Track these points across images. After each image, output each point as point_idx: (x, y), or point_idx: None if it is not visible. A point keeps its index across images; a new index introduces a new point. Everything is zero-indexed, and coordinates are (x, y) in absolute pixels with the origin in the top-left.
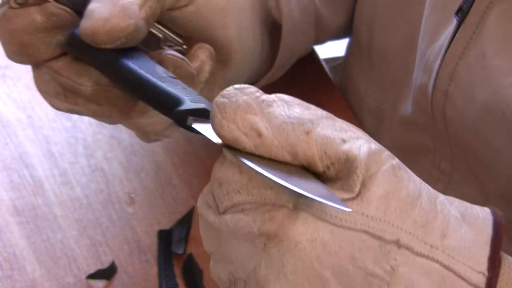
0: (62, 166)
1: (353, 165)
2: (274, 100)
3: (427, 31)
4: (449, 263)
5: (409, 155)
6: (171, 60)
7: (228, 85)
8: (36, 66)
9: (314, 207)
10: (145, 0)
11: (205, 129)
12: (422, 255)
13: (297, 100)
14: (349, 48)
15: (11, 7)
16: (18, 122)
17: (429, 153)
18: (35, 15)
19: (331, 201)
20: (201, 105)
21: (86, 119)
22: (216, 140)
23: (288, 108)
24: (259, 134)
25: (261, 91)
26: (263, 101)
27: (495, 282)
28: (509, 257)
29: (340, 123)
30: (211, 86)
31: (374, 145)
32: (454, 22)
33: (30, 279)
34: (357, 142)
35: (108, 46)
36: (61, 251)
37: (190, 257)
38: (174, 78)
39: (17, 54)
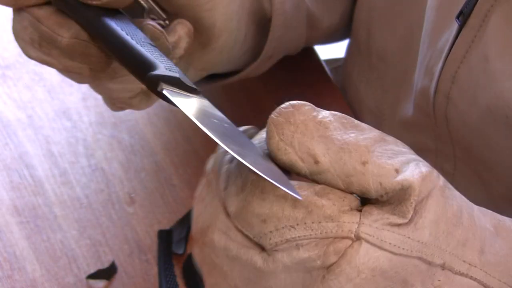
0: (62, 166)
1: (407, 192)
2: (330, 121)
3: (428, 34)
4: (486, 281)
5: None
6: (150, 30)
7: (204, 69)
8: (18, 10)
9: (375, 236)
10: None
11: (176, 99)
12: (461, 274)
13: (350, 120)
14: (349, 49)
15: None
16: (18, 122)
17: (431, 153)
18: None
19: (287, 187)
20: (175, 74)
21: (86, 119)
22: (188, 113)
23: (344, 131)
24: (316, 161)
25: (316, 109)
26: (320, 122)
27: None
28: None
29: (391, 146)
30: (186, 66)
31: (424, 167)
32: (455, 25)
33: (30, 279)
34: (409, 168)
35: (95, 2)
36: (61, 251)
37: (190, 257)
38: (153, 45)
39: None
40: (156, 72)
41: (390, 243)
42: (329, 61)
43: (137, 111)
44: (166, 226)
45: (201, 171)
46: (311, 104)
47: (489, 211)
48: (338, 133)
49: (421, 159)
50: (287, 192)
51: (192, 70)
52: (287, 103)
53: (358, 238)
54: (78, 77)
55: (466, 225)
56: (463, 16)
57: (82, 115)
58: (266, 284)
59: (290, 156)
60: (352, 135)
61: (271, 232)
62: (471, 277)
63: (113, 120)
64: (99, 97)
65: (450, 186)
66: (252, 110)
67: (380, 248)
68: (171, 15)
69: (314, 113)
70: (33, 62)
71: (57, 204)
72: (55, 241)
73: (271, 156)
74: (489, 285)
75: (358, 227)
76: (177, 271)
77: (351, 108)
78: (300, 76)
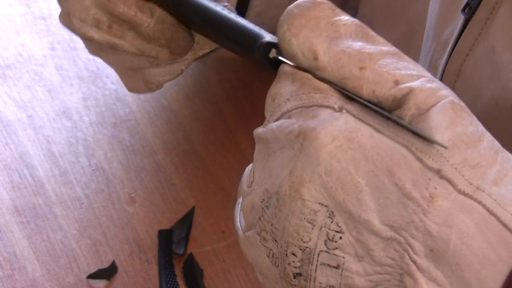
0: (63, 166)
1: (405, 100)
2: (344, 25)
3: (432, 27)
4: (493, 208)
5: None
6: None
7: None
8: None
9: (361, 112)
10: None
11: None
12: (465, 194)
13: (368, 30)
14: None
15: None
16: (18, 122)
17: None
18: None
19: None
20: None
21: (87, 119)
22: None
23: (355, 36)
24: (315, 57)
25: (336, 10)
26: (332, 23)
27: None
28: None
29: (405, 63)
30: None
31: (433, 83)
32: (461, 17)
33: (30, 279)
34: (416, 80)
35: None
36: (61, 250)
37: (190, 257)
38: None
39: None
40: (266, 39)
41: (374, 121)
42: None
43: (137, 111)
44: (166, 226)
45: (201, 172)
46: (332, 5)
47: None
48: (347, 38)
49: (437, 80)
50: (435, 142)
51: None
52: None
53: (341, 109)
54: (147, 61)
55: (483, 153)
56: (470, 9)
57: (82, 115)
58: (268, 166)
59: (293, 47)
60: (360, 43)
61: (275, 108)
62: (476, 199)
63: (113, 120)
64: (99, 97)
65: (472, 115)
66: (252, 110)
67: (362, 121)
68: None
69: (331, 14)
70: (33, 61)
71: (58, 204)
72: (56, 241)
73: (278, 41)
74: (497, 214)
75: (345, 102)
76: (177, 271)
77: None
78: None
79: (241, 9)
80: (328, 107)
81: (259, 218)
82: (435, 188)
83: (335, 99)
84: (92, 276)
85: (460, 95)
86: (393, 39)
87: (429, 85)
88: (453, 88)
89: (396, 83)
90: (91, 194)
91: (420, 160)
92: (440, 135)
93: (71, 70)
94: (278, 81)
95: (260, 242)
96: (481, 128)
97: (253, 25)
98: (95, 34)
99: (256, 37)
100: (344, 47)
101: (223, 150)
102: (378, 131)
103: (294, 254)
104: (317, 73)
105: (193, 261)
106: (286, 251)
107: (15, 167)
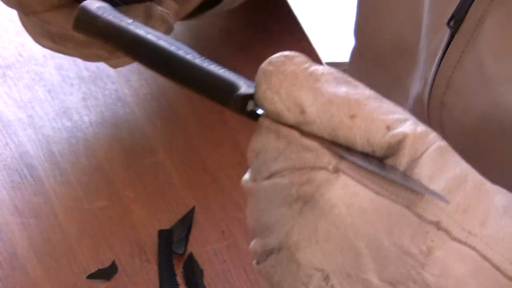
0: (63, 166)
1: (399, 147)
2: (322, 74)
3: (423, 38)
4: (486, 253)
5: None
6: (163, 17)
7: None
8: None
9: (356, 171)
10: None
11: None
12: (459, 241)
13: (345, 77)
14: (352, 54)
15: None
16: (18, 122)
17: None
18: None
19: (429, 192)
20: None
21: (87, 119)
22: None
23: (336, 84)
24: (303, 111)
25: (310, 61)
26: (311, 74)
27: None
28: None
29: (387, 105)
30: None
31: (421, 127)
32: (447, 30)
33: (30, 279)
34: (404, 124)
35: None
36: (61, 250)
37: (190, 257)
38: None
39: (9, 4)
40: (242, 91)
41: (373, 182)
42: (333, 65)
43: (137, 111)
44: (166, 226)
45: (201, 171)
46: (304, 56)
47: (504, 190)
48: (329, 86)
49: (420, 122)
50: (433, 195)
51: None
52: (279, 54)
53: (336, 171)
54: (97, 59)
55: (470, 193)
56: (455, 22)
57: (82, 115)
58: (264, 221)
59: (276, 105)
60: (344, 89)
61: (261, 166)
62: (469, 246)
63: (113, 120)
64: (99, 97)
65: (455, 153)
66: None
67: (360, 183)
68: None
69: (306, 65)
70: (33, 61)
71: (58, 204)
72: (56, 240)
73: (258, 105)
74: (489, 258)
75: (339, 161)
76: (177, 271)
77: None
78: None
79: None
80: (321, 168)
81: (263, 261)
82: (432, 241)
83: (327, 158)
84: (92, 276)
85: (450, 108)
86: (384, 47)
87: (419, 129)
88: (442, 100)
89: (388, 128)
90: (91, 194)
91: (419, 216)
92: (436, 186)
93: (71, 70)
94: (260, 134)
95: (263, 278)
96: (464, 164)
97: (224, 70)
98: (46, 44)
99: (230, 89)
100: (330, 96)
101: (223, 150)
102: (377, 193)
103: None
104: (305, 127)
105: (193, 261)
106: None
107: (15, 167)
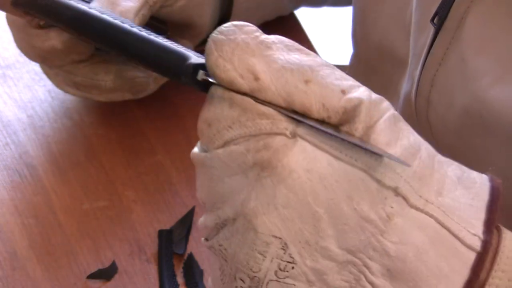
0: (63, 166)
1: (354, 113)
2: (273, 42)
3: (411, 40)
4: (444, 220)
5: None
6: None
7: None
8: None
9: (315, 136)
10: (139, 8)
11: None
12: (417, 208)
13: (296, 45)
14: (351, 59)
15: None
16: (18, 122)
17: None
18: (55, 41)
19: (390, 156)
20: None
21: (87, 119)
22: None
23: (287, 52)
24: (256, 78)
25: (260, 31)
26: (262, 42)
27: (489, 246)
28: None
29: (340, 72)
30: None
31: (374, 94)
32: (431, 28)
33: (30, 279)
34: (358, 90)
35: None
36: (61, 250)
37: (190, 257)
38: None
39: (33, 59)
40: (192, 61)
41: (331, 146)
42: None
43: (137, 111)
44: (166, 226)
45: None
46: (254, 26)
47: (456, 163)
48: (281, 53)
49: (372, 91)
50: (394, 159)
51: None
52: (229, 23)
53: (294, 136)
54: (121, 99)
55: (425, 161)
56: (439, 19)
57: (82, 115)
58: (217, 192)
59: (229, 73)
60: (296, 56)
61: (214, 135)
62: (427, 213)
63: (113, 120)
64: None
65: (406, 123)
66: None
67: (319, 148)
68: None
69: (257, 33)
70: (33, 62)
71: (58, 203)
72: (56, 240)
73: (209, 74)
74: (448, 226)
75: (296, 126)
76: (177, 271)
77: None
78: None
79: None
80: (278, 134)
81: (214, 236)
82: (392, 207)
83: (284, 124)
84: (92, 276)
85: (435, 106)
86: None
87: (373, 96)
88: (428, 98)
89: (344, 93)
90: (91, 193)
91: (378, 181)
92: (393, 151)
93: None
94: (212, 103)
95: (215, 253)
96: (416, 134)
97: (171, 42)
98: (70, 90)
99: (180, 59)
100: (283, 63)
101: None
102: (336, 157)
103: (242, 280)
104: (260, 94)
105: (193, 261)
106: (235, 275)
107: (15, 167)
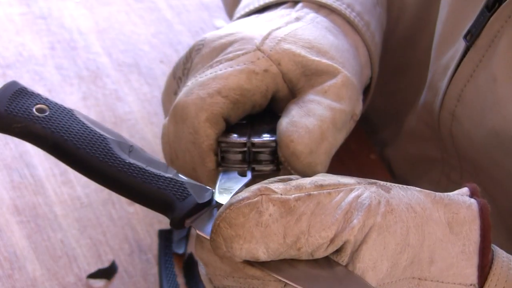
0: (63, 166)
1: (341, 249)
2: (270, 216)
3: (435, 48)
4: None
5: (417, 165)
6: None
7: None
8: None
9: None
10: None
11: (200, 229)
12: None
13: (288, 206)
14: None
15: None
16: None
17: (437, 162)
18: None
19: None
20: (190, 205)
21: None
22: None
23: (281, 220)
24: (257, 259)
25: (261, 207)
26: (262, 224)
27: (484, 283)
28: (500, 253)
29: (330, 209)
30: None
31: (358, 219)
32: (462, 43)
33: (30, 278)
34: (344, 232)
35: None
36: (61, 250)
37: (190, 257)
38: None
39: None
40: (176, 214)
41: None
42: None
43: (137, 111)
44: (166, 225)
45: None
46: (255, 201)
47: (447, 198)
48: (276, 227)
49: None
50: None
51: None
52: (232, 203)
53: None
54: None
55: (413, 243)
56: (471, 36)
57: None
58: None
59: (235, 262)
60: (284, 222)
61: (212, 275)
62: None
63: (113, 119)
64: (99, 96)
65: (392, 203)
66: None
67: None
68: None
69: (257, 216)
70: (33, 61)
71: (58, 203)
72: (56, 240)
73: (212, 249)
74: None
75: (284, 286)
76: (177, 270)
77: (370, 120)
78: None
79: None
80: None
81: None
82: None
83: (273, 285)
84: (92, 276)
85: (461, 120)
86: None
87: (354, 224)
88: (453, 112)
89: (332, 241)
90: (91, 193)
91: None
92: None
93: (71, 69)
94: (202, 249)
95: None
96: (403, 209)
97: (165, 177)
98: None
99: (167, 205)
100: (279, 245)
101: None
102: None
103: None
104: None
105: (193, 261)
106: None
107: (15, 167)
